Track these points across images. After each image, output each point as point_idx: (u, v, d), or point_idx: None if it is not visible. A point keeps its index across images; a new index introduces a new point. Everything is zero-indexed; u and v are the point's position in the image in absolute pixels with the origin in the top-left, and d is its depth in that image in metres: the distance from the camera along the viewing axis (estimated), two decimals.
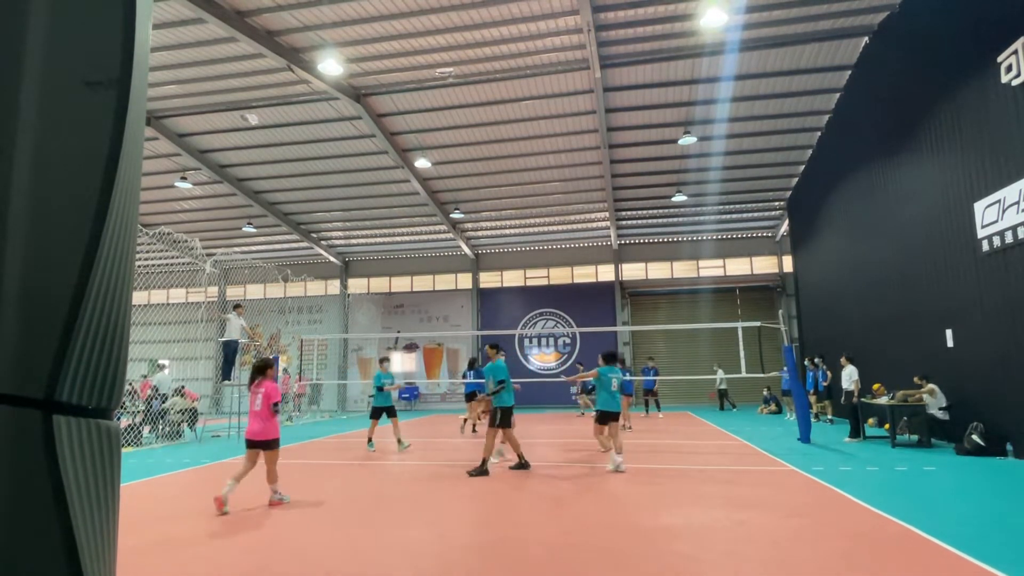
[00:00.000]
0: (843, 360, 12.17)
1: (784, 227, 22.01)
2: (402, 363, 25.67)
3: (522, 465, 8.47)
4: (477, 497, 6.63)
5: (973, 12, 9.29)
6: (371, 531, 5.26)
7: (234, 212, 22.30)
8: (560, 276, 24.98)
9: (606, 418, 8.65)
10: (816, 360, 15.40)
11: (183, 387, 14.28)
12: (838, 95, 15.20)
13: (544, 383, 21.21)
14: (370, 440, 10.90)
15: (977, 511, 5.61)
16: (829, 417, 15.14)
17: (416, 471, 8.52)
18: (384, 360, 11.40)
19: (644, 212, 22.14)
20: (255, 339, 24.81)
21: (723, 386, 20.28)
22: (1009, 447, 8.74)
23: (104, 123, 0.85)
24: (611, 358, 8.93)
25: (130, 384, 13.92)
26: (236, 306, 13.88)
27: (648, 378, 17.75)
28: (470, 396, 14.07)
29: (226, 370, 13.57)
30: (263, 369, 6.68)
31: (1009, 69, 8.41)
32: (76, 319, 0.81)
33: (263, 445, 6.43)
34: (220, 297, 26.76)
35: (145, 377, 13.36)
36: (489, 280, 25.59)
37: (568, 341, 24.28)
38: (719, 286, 23.37)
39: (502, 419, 8.42)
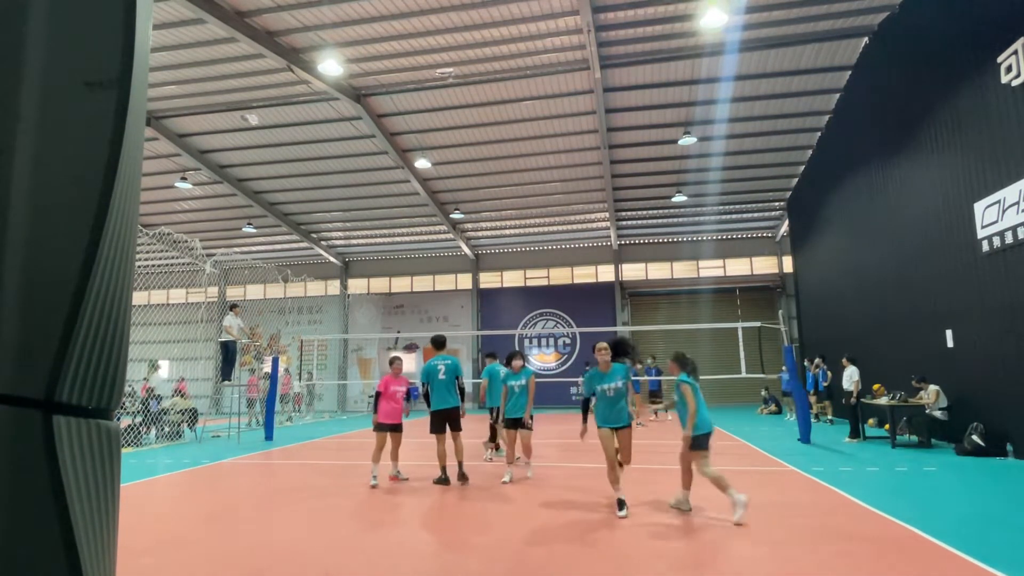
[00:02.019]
0: (844, 361, 12.16)
1: (784, 227, 22.01)
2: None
3: (442, 480, 7.42)
4: (477, 498, 6.63)
5: (973, 12, 9.29)
6: (370, 531, 5.26)
7: (234, 212, 22.30)
8: (560, 276, 24.98)
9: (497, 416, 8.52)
10: (816, 360, 15.40)
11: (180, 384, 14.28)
12: (838, 95, 15.20)
13: (545, 383, 21.20)
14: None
15: (977, 511, 5.61)
16: (829, 418, 15.13)
17: (416, 472, 8.52)
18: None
19: (644, 212, 22.14)
20: (254, 339, 24.82)
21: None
22: (1009, 447, 8.74)
23: (104, 123, 0.85)
24: (491, 356, 9.22)
25: (130, 385, 13.91)
26: (233, 306, 13.88)
27: (652, 378, 16.96)
28: None
29: (226, 370, 13.57)
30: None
31: (1009, 69, 8.41)
32: (76, 319, 0.81)
33: (394, 428, 7.66)
34: (220, 297, 26.75)
35: (146, 379, 13.34)
36: (489, 280, 25.59)
37: (568, 341, 24.28)
38: (719, 286, 23.36)
39: (431, 424, 7.49)
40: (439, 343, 7.74)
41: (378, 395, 7.68)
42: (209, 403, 23.68)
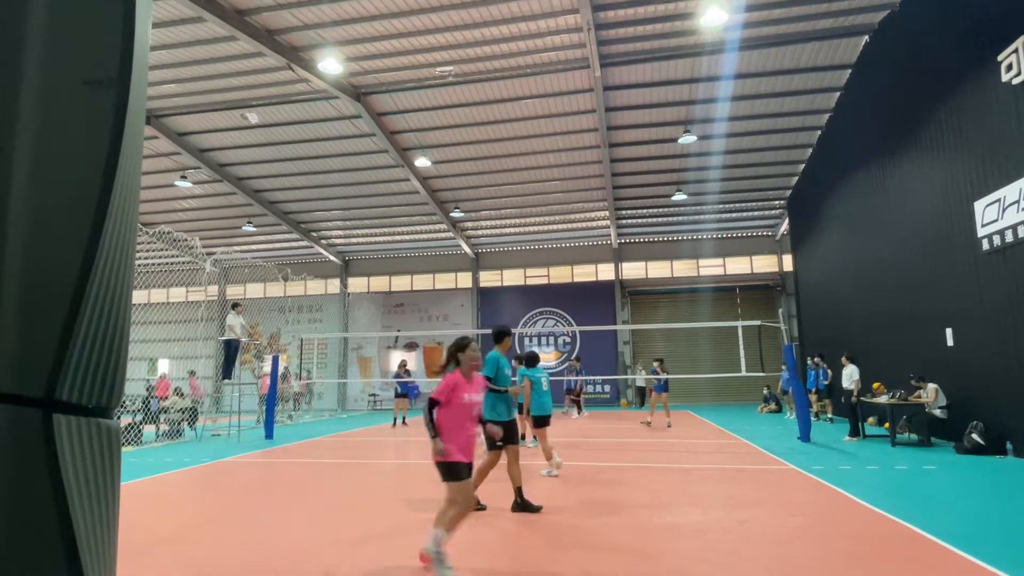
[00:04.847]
0: (844, 359, 12.17)
1: (784, 226, 22.00)
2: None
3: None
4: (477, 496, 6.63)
5: (973, 12, 9.28)
6: (370, 530, 5.26)
7: (234, 211, 22.29)
8: (560, 275, 24.98)
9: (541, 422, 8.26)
10: (816, 359, 15.40)
11: (180, 388, 14.30)
12: (838, 94, 15.19)
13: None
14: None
15: (977, 510, 5.62)
16: (829, 416, 15.13)
17: (416, 471, 8.53)
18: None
19: (644, 211, 22.13)
20: (254, 338, 24.83)
21: (642, 383, 22.29)
22: (1009, 446, 8.74)
23: (104, 122, 0.85)
24: (533, 359, 8.86)
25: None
26: (235, 305, 13.90)
27: (660, 378, 14.51)
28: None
29: (227, 369, 13.58)
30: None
31: (1009, 68, 8.40)
32: (76, 318, 0.81)
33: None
34: (220, 296, 26.75)
35: (160, 378, 13.39)
36: (489, 279, 25.59)
37: (568, 340, 24.29)
38: (719, 285, 23.36)
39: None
40: (496, 335, 6.07)
41: (435, 404, 4.07)
42: (210, 401, 23.70)
